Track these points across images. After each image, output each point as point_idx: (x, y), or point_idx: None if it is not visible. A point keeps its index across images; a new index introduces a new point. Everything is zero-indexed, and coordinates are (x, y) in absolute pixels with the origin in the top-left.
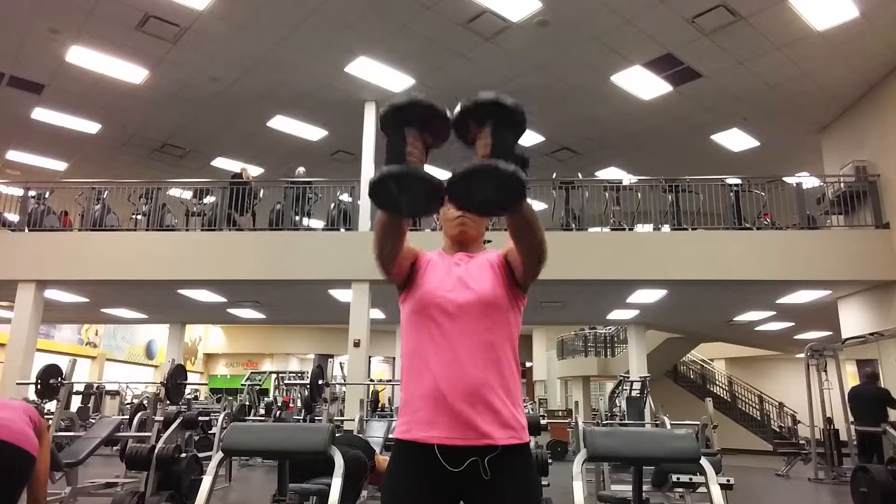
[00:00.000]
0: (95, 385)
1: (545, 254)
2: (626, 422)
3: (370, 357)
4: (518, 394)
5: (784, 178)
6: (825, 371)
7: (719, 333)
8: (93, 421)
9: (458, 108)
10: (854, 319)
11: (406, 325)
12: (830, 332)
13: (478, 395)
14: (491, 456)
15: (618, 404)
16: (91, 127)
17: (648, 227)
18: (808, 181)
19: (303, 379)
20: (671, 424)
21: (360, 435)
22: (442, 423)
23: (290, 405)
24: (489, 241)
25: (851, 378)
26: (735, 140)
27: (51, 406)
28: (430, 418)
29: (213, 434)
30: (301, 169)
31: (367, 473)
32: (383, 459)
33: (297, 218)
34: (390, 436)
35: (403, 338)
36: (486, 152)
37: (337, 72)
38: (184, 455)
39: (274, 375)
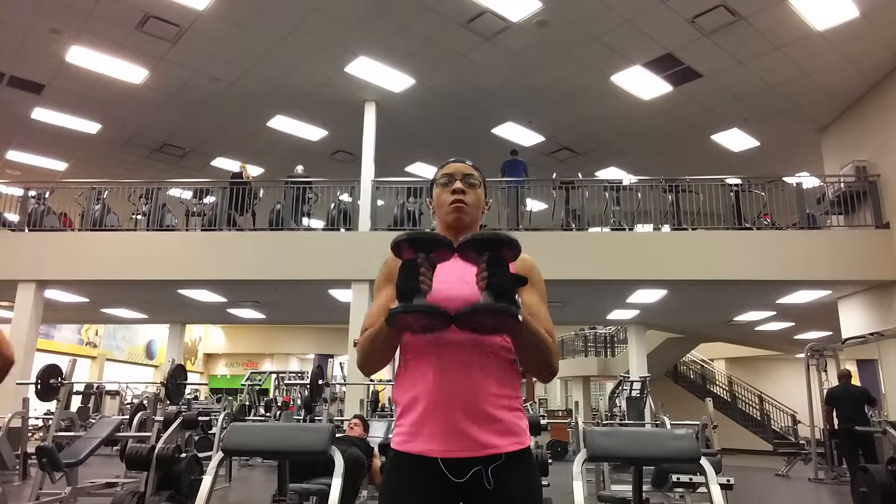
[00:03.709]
0: (95, 385)
1: (552, 374)
2: (626, 422)
3: None
4: (518, 398)
5: (784, 178)
6: (825, 371)
7: (719, 333)
8: (93, 421)
9: (461, 241)
10: (854, 319)
11: None
12: (830, 332)
13: (477, 403)
14: (495, 465)
15: (618, 404)
16: (91, 127)
17: (648, 227)
18: (808, 181)
19: (303, 379)
20: (671, 424)
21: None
22: (442, 435)
23: (290, 405)
24: (485, 226)
25: (852, 378)
26: (735, 140)
27: (51, 406)
28: (430, 430)
29: (213, 434)
30: (299, 168)
31: (365, 472)
32: (378, 463)
33: (297, 218)
34: (390, 436)
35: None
36: (481, 284)
37: (337, 72)
38: (184, 455)
39: (274, 375)
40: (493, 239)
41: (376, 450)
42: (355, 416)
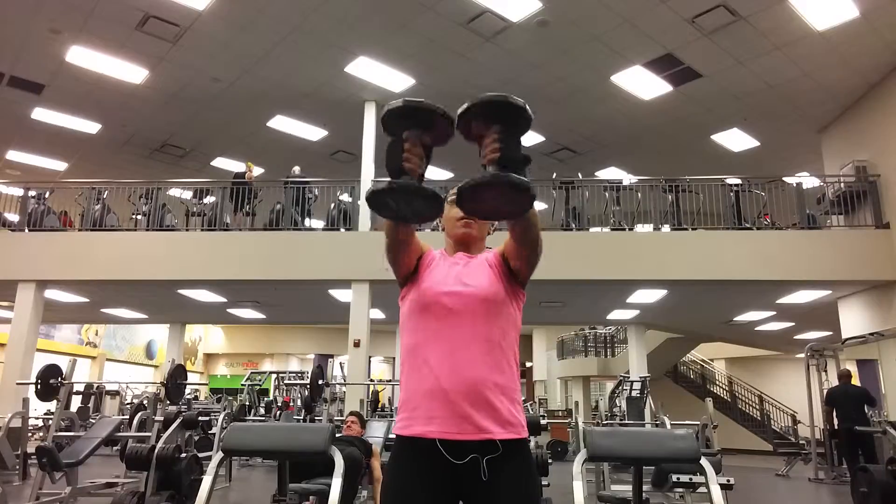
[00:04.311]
0: (95, 385)
1: (541, 247)
2: (626, 422)
3: (370, 357)
4: (517, 391)
5: (784, 178)
6: (825, 371)
7: (719, 333)
8: (93, 421)
9: (465, 106)
10: (854, 319)
11: (406, 321)
12: (830, 332)
13: (477, 391)
14: (490, 456)
15: (618, 404)
16: (91, 127)
17: (648, 227)
18: (808, 181)
19: (303, 379)
20: (671, 424)
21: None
22: (441, 418)
23: (290, 405)
24: (489, 248)
25: (852, 378)
26: (735, 140)
27: (51, 406)
28: (430, 413)
29: (213, 434)
30: (296, 168)
31: (364, 471)
32: (377, 464)
33: (298, 218)
34: (391, 435)
35: (403, 334)
36: (493, 157)
37: (337, 72)
38: (184, 455)
39: (274, 375)
40: (506, 104)
41: (375, 448)
42: (351, 414)
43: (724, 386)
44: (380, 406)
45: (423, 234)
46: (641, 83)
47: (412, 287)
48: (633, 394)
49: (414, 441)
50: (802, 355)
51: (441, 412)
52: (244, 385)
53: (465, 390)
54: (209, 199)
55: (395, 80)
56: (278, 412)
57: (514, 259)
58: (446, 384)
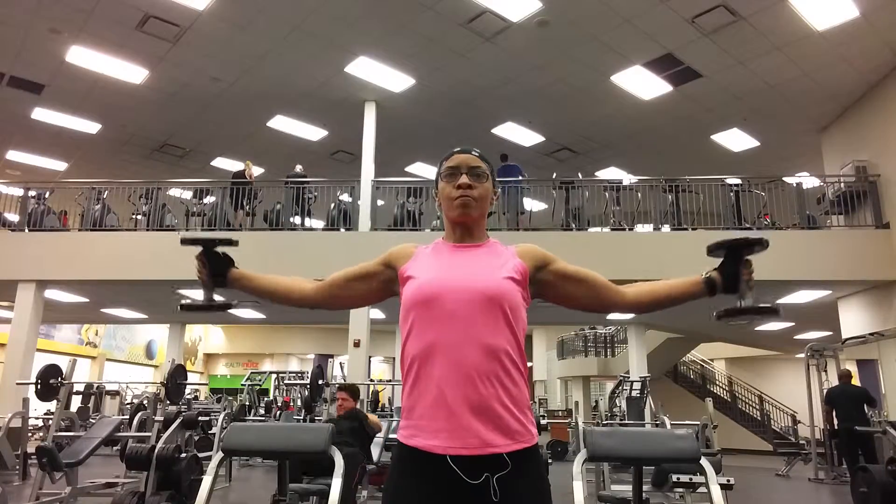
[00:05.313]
0: (95, 385)
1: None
2: (626, 422)
3: (370, 357)
4: (524, 395)
5: (784, 178)
6: (825, 371)
7: (719, 333)
8: (93, 421)
9: (745, 240)
10: (854, 319)
11: (404, 321)
12: (830, 332)
13: (482, 402)
14: (500, 474)
15: (618, 404)
16: (91, 127)
17: (648, 227)
18: (808, 181)
19: (303, 379)
20: (671, 424)
21: None
22: (446, 432)
23: (290, 405)
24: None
25: (852, 378)
26: (735, 140)
27: (51, 406)
28: (435, 426)
29: (213, 434)
30: (299, 167)
31: (361, 468)
32: (374, 419)
33: (298, 220)
34: (391, 435)
35: (402, 334)
36: (752, 285)
37: (337, 72)
38: (184, 455)
39: (274, 375)
40: (759, 244)
41: (378, 450)
42: (340, 389)
43: (724, 386)
44: (380, 406)
45: (423, 236)
46: (641, 83)
47: (406, 287)
48: (633, 394)
49: (415, 451)
50: (802, 355)
51: (445, 424)
52: (244, 385)
53: (470, 400)
54: (209, 199)
55: (395, 80)
56: (278, 412)
57: (581, 295)
58: (450, 393)
